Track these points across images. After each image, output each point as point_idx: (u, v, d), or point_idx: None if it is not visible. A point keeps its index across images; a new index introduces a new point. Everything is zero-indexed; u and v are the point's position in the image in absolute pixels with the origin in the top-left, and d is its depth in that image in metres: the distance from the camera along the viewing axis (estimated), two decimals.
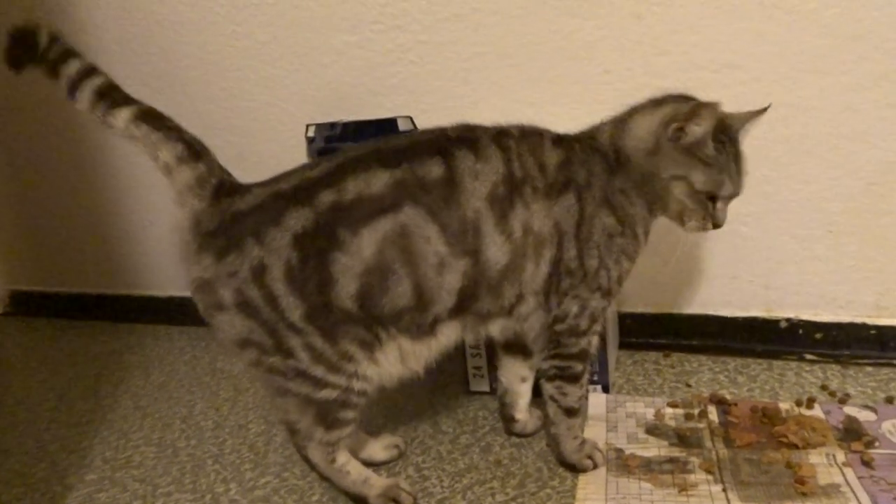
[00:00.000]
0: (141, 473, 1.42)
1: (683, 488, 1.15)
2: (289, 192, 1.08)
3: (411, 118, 1.52)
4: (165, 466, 1.43)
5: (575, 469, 1.24)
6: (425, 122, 1.57)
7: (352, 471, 1.22)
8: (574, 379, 1.22)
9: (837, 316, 1.52)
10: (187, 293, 2.22)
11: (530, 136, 1.16)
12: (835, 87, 1.38)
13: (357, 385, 1.12)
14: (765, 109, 1.16)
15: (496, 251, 1.09)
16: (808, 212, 1.48)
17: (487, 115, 1.60)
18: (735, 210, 1.49)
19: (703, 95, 1.38)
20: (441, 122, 1.67)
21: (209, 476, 1.38)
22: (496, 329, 1.20)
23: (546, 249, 1.13)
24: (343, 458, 1.21)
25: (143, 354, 2.03)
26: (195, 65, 1.89)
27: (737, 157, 1.12)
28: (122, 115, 1.08)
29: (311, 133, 1.64)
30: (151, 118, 1.10)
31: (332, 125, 1.59)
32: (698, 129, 1.07)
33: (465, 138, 1.12)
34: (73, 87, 1.08)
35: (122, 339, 2.16)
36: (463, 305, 1.12)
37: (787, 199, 1.48)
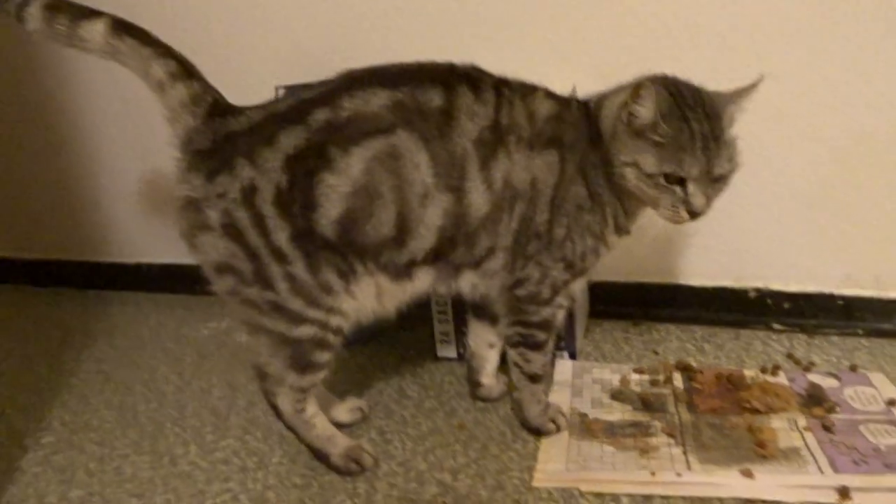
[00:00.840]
0: (99, 436, 1.39)
1: (645, 451, 1.15)
2: (283, 112, 1.06)
3: None
4: (124, 429, 1.40)
5: (538, 433, 1.23)
6: None
7: (318, 424, 1.20)
8: (537, 347, 1.21)
9: (806, 286, 1.52)
10: (154, 260, 2.20)
11: (525, 87, 1.14)
12: (809, 56, 1.37)
13: (334, 321, 1.11)
14: (755, 85, 1.10)
15: (478, 197, 1.08)
16: (780, 183, 1.47)
17: None
18: None
19: (676, 64, 1.38)
20: None
21: (168, 439, 1.36)
22: (466, 284, 1.18)
23: (518, 204, 1.11)
24: (312, 409, 1.20)
25: (109, 321, 1.99)
26: (161, 25, 1.84)
27: (706, 133, 1.03)
28: (97, 29, 1.04)
29: (280, 95, 1.60)
30: (133, 30, 1.06)
31: (303, 86, 1.56)
32: (643, 109, 1.03)
33: (470, 77, 1.10)
34: (20, 5, 1.04)
35: (88, 306, 2.12)
36: (440, 249, 1.11)
37: (758, 170, 1.47)
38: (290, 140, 1.03)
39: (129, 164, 2.06)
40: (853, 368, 1.35)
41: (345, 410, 1.33)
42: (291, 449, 1.26)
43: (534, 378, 1.23)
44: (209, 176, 1.04)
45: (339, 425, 1.29)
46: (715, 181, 1.05)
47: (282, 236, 1.04)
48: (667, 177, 1.03)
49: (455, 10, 1.56)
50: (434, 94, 1.06)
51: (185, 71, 1.07)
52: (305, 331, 1.10)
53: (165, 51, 1.07)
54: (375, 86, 1.05)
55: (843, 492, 1.01)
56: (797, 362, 1.39)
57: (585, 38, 1.49)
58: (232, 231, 1.05)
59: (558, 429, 1.23)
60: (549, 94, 1.15)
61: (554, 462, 1.16)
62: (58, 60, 2.00)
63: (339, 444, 1.20)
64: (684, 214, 1.05)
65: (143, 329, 1.91)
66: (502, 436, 1.25)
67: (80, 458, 1.32)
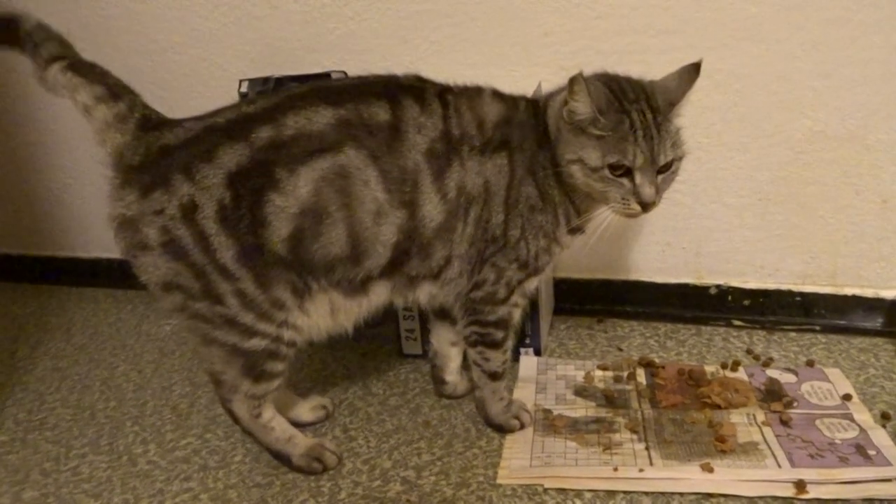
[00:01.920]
0: (55, 435, 1.36)
1: (608, 447, 1.16)
2: (223, 127, 1.04)
3: (345, 73, 1.48)
4: (82, 428, 1.37)
5: (502, 430, 1.24)
6: None
7: (276, 427, 1.19)
8: (495, 345, 1.21)
9: (765, 283, 1.55)
10: (113, 255, 2.15)
11: (471, 92, 1.13)
12: (769, 55, 1.39)
13: (287, 335, 1.10)
14: (697, 67, 1.09)
15: (432, 209, 1.08)
16: (740, 180, 1.49)
17: (425, 74, 1.58)
18: None
19: (640, 61, 1.39)
20: None
21: (127, 437, 1.33)
22: (423, 295, 1.18)
23: (473, 208, 1.11)
24: (268, 413, 1.18)
25: (66, 317, 1.94)
26: (122, 14, 1.80)
27: (648, 123, 1.02)
28: (54, 68, 1.07)
29: (244, 88, 1.58)
30: (78, 67, 1.07)
31: (266, 80, 1.54)
32: (579, 104, 1.02)
33: (414, 88, 1.09)
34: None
35: (44, 301, 2.07)
36: (395, 263, 1.10)
37: (719, 168, 1.49)
38: (232, 157, 1.01)
39: (85, 153, 2.00)
40: (810, 364, 1.38)
41: (307, 409, 1.32)
42: (254, 447, 1.25)
43: (494, 376, 1.23)
44: (144, 192, 1.02)
45: (302, 424, 1.28)
46: (661, 170, 1.05)
47: (227, 254, 1.02)
48: (612, 169, 1.03)
49: (424, 7, 1.55)
50: (379, 109, 1.05)
51: (111, 94, 1.05)
52: (257, 343, 1.09)
53: (98, 79, 1.06)
54: (318, 103, 1.03)
55: (800, 485, 1.03)
56: (756, 358, 1.42)
57: (553, 39, 1.49)
58: (173, 249, 1.02)
59: (522, 425, 1.23)
60: (496, 95, 1.14)
61: (518, 459, 1.16)
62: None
63: (299, 445, 1.19)
64: (635, 206, 1.04)
65: (102, 325, 1.86)
66: (467, 433, 1.25)
67: (34, 458, 1.29)
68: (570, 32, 1.48)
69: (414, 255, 1.10)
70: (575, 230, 1.17)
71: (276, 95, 1.09)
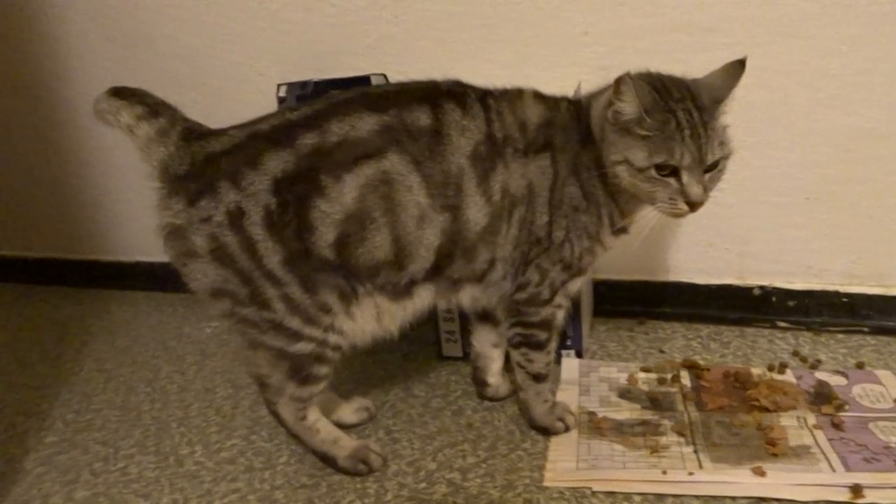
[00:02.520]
0: (103, 436, 1.38)
1: (655, 450, 1.15)
2: (267, 133, 1.04)
3: (385, 76, 1.49)
4: (128, 429, 1.39)
5: (546, 432, 1.23)
6: None
7: (322, 429, 1.19)
8: (539, 346, 1.20)
9: (810, 284, 1.52)
10: (154, 258, 2.18)
11: (511, 95, 1.13)
12: (813, 51, 1.37)
13: (332, 339, 1.10)
14: (742, 64, 1.08)
15: (476, 212, 1.08)
16: (785, 179, 1.47)
17: (463, 76, 1.58)
18: None
19: (679, 59, 1.37)
20: None
21: (173, 438, 1.35)
22: (467, 297, 1.18)
23: (517, 209, 1.11)
24: (314, 415, 1.19)
25: (108, 319, 1.97)
26: (163, 21, 1.83)
27: (694, 121, 1.01)
28: (99, 98, 1.10)
29: (282, 93, 1.59)
30: (119, 91, 1.09)
31: (304, 84, 1.55)
32: (626, 104, 1.01)
33: (455, 92, 1.09)
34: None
35: (87, 305, 2.10)
36: (439, 267, 1.10)
37: (763, 167, 1.47)
38: (278, 163, 1.02)
39: (128, 160, 2.03)
40: (860, 366, 1.35)
41: (350, 411, 1.33)
42: (299, 449, 1.25)
43: (538, 377, 1.22)
44: (191, 200, 1.03)
45: (345, 426, 1.28)
46: (709, 169, 1.04)
47: (273, 260, 1.03)
48: (659, 169, 1.01)
49: (461, 8, 1.55)
50: (421, 114, 1.05)
51: (151, 112, 1.07)
52: (303, 347, 1.10)
53: (137, 100, 1.08)
54: (362, 110, 1.04)
55: (856, 489, 1.01)
56: (803, 360, 1.39)
57: (591, 38, 1.48)
58: (221, 256, 1.03)
59: (567, 428, 1.22)
60: (538, 97, 1.14)
61: (564, 461, 1.15)
62: (57, 59, 1.98)
63: (345, 447, 1.19)
64: (683, 206, 1.03)
65: (144, 328, 1.89)
66: (511, 435, 1.24)
67: (84, 458, 1.31)
68: (609, 32, 1.47)
69: (457, 258, 1.11)
70: (619, 231, 1.16)
71: (319, 102, 1.09)
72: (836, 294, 1.51)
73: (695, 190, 1.02)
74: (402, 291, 1.12)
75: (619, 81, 1.01)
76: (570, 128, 1.12)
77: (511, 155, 1.09)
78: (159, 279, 2.11)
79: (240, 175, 1.02)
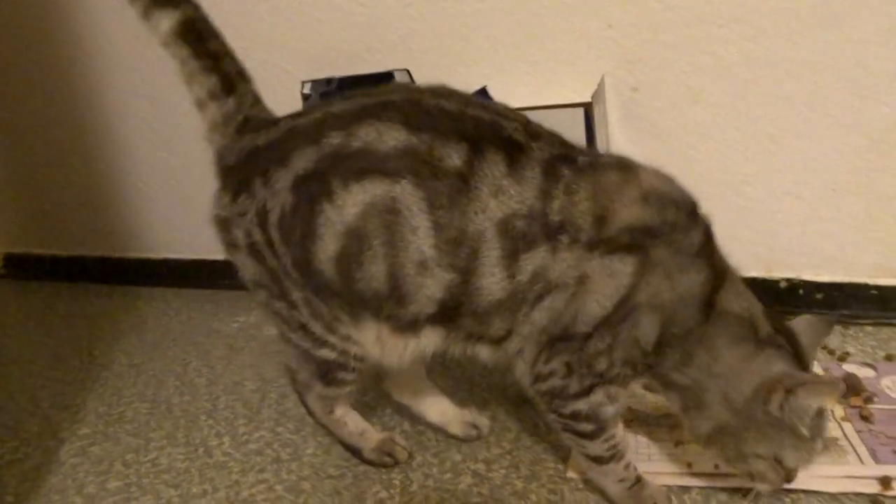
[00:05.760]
0: (134, 428, 1.40)
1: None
2: (304, 128, 0.99)
3: (408, 70, 1.50)
4: (159, 421, 1.42)
5: None
6: (422, 79, 1.55)
7: (349, 422, 1.20)
8: (585, 436, 1.01)
9: (838, 276, 1.51)
10: (181, 255, 2.21)
11: (606, 176, 0.93)
12: (843, 42, 1.35)
13: (353, 349, 1.06)
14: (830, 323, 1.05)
15: (492, 283, 0.92)
16: (813, 171, 1.45)
17: (487, 72, 1.59)
18: (738, 169, 1.49)
19: (708, 52, 1.36)
20: (440, 80, 1.65)
21: (202, 430, 1.37)
22: (484, 354, 1.03)
23: (550, 298, 0.92)
24: (341, 409, 1.20)
25: (138, 315, 2.01)
26: None
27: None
28: (164, 24, 1.03)
29: (306, 90, 1.61)
30: (193, 37, 1.03)
31: (328, 80, 1.57)
32: (812, 405, 0.88)
33: (513, 141, 0.92)
34: None
35: (117, 301, 2.14)
36: (446, 317, 0.97)
37: (791, 158, 1.46)
38: (301, 161, 0.96)
39: (154, 158, 2.08)
40: (889, 358, 1.33)
41: (458, 422, 1.24)
42: (325, 440, 1.27)
43: (599, 460, 1.02)
44: (234, 195, 1.03)
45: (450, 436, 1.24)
46: None
47: (287, 262, 1.00)
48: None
49: (485, 5, 1.55)
50: (453, 151, 0.90)
51: (225, 87, 1.04)
52: (328, 353, 1.08)
53: (213, 65, 1.04)
54: (396, 120, 0.92)
55: (885, 481, 1.00)
56: (831, 352, 1.38)
57: (617, 32, 1.48)
58: (254, 252, 1.03)
59: None
60: (648, 196, 0.91)
61: None
62: (82, 55, 2.02)
63: (371, 439, 1.20)
64: (781, 483, 0.95)
65: (173, 323, 1.92)
66: (535, 428, 1.25)
67: (116, 450, 1.33)
68: (634, 25, 1.46)
69: (467, 316, 0.96)
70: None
71: (367, 97, 0.99)
72: (865, 286, 1.49)
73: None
74: (406, 327, 1.00)
75: (824, 385, 0.91)
76: (688, 265, 0.92)
77: (566, 243, 0.90)
78: (187, 276, 2.15)
79: (270, 172, 0.98)
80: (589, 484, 1.08)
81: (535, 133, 0.94)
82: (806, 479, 1.02)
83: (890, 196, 1.42)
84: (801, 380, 0.88)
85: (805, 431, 0.89)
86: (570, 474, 1.12)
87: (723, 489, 1.04)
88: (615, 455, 1.01)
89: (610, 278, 0.90)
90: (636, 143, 1.53)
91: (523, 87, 1.55)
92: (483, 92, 1.43)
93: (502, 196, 0.89)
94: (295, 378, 1.18)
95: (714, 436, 0.94)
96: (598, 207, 0.90)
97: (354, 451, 1.20)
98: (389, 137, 0.91)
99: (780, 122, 1.43)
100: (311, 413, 1.21)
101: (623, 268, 0.90)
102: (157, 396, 1.52)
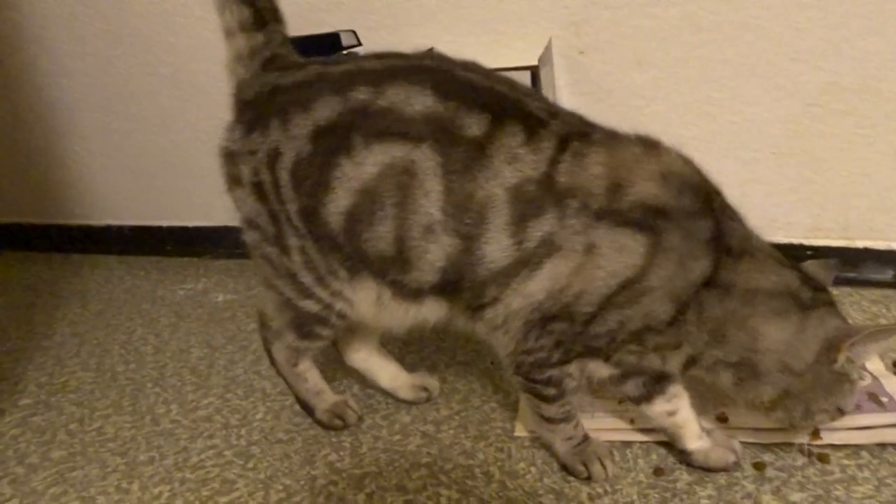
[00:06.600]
0: (78, 397, 1.38)
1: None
2: (335, 77, 0.98)
3: (354, 32, 1.47)
4: (104, 390, 1.40)
5: (567, 471, 1.06)
6: (368, 41, 1.53)
7: (310, 379, 1.20)
8: (545, 399, 1.02)
9: (775, 237, 1.54)
10: (125, 222, 2.16)
11: (625, 147, 0.93)
12: (781, 5, 1.37)
13: (339, 305, 1.06)
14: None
15: (496, 251, 0.92)
16: (751, 134, 1.49)
17: (433, 33, 1.57)
18: (680, 132, 1.51)
19: (650, 14, 1.37)
20: (387, 41, 1.62)
21: (149, 398, 1.35)
22: (482, 329, 1.02)
23: (552, 262, 0.91)
24: (305, 364, 1.19)
25: (80, 284, 1.96)
26: None
27: None
28: None
29: None
30: None
31: (304, 39, 1.53)
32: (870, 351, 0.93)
33: (532, 116, 0.93)
34: None
35: (57, 270, 2.08)
36: (448, 289, 0.97)
37: (731, 121, 1.49)
38: (324, 111, 0.95)
39: (96, 123, 2.01)
40: None
41: (408, 387, 1.25)
42: (275, 405, 1.27)
43: (550, 420, 1.05)
44: (247, 131, 1.01)
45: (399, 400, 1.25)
46: None
47: (292, 208, 0.99)
48: None
49: None
50: (476, 122, 0.91)
51: (257, 21, 1.03)
52: (311, 306, 1.07)
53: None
54: (426, 86, 0.92)
55: (815, 432, 1.05)
56: None
57: None
58: (258, 191, 1.02)
59: (590, 477, 1.04)
60: (666, 176, 0.90)
61: None
62: (16, 14, 1.93)
63: (326, 400, 1.21)
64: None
65: (117, 291, 1.88)
66: (483, 388, 1.27)
67: (59, 420, 1.31)
68: None
69: (467, 289, 0.96)
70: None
71: (400, 59, 0.98)
72: (801, 247, 1.54)
73: None
74: (409, 294, 1.00)
75: (884, 331, 0.91)
76: (698, 237, 0.90)
77: (575, 210, 0.89)
78: (131, 243, 2.10)
79: (290, 115, 0.97)
80: (536, 442, 1.11)
81: (557, 113, 0.96)
82: (739, 431, 1.07)
83: (825, 158, 1.46)
84: (861, 331, 0.90)
85: (856, 375, 0.93)
86: (518, 433, 1.14)
87: (661, 443, 1.08)
88: (567, 417, 1.04)
89: (618, 253, 0.89)
90: (583, 105, 1.52)
91: (470, 49, 1.52)
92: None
93: (517, 163, 0.90)
94: (267, 324, 1.17)
95: (778, 401, 0.94)
96: (614, 176, 0.90)
97: (307, 409, 1.21)
98: (417, 101, 0.92)
99: (721, 85, 1.46)
100: (273, 363, 1.20)
101: (633, 245, 0.89)
102: (101, 365, 1.50)
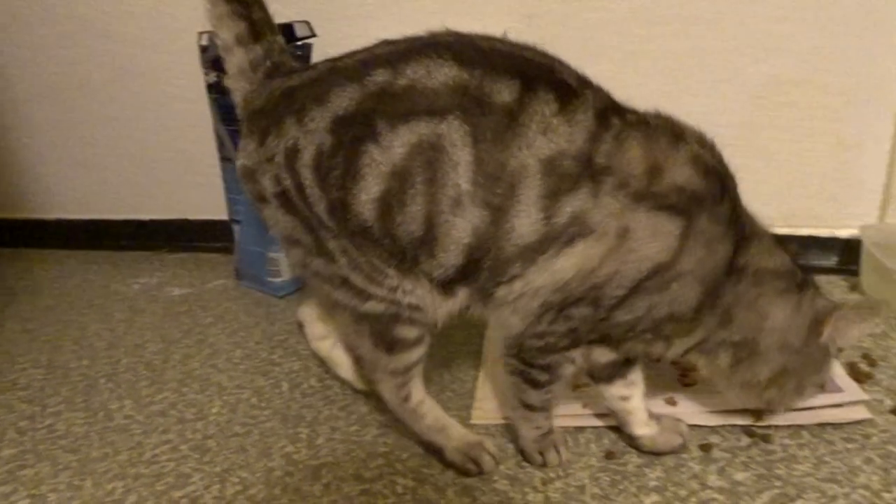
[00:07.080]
0: (28, 394, 1.36)
1: (577, 386, 1.20)
2: (348, 68, 0.93)
3: (308, 23, 1.47)
4: (55, 387, 1.37)
5: (524, 457, 1.07)
6: (324, 31, 1.52)
7: (428, 415, 1.08)
8: (535, 385, 1.02)
9: None
10: (75, 216, 2.12)
11: (660, 133, 0.92)
12: (727, 0, 1.41)
13: (406, 299, 0.97)
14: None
15: (525, 225, 0.89)
16: (701, 126, 1.51)
17: (387, 25, 1.57)
18: None
19: (602, 7, 1.39)
20: (343, 33, 1.61)
21: (102, 394, 1.34)
22: (488, 309, 0.99)
23: (582, 243, 0.89)
24: (418, 395, 1.08)
25: (30, 279, 1.92)
26: None
27: None
28: None
29: (204, 41, 1.55)
30: None
31: None
32: (853, 336, 0.99)
33: (568, 87, 0.90)
34: None
35: (5, 265, 2.03)
36: (470, 273, 0.94)
37: (678, 113, 1.50)
38: (342, 100, 0.90)
39: (46, 115, 1.96)
40: None
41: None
42: (231, 399, 1.27)
43: (530, 407, 1.04)
44: (261, 139, 0.96)
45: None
46: None
47: (321, 208, 0.93)
48: None
49: None
50: (505, 88, 0.87)
51: (252, 34, 1.01)
52: (374, 306, 0.99)
53: (243, 10, 1.01)
54: (447, 56, 0.88)
55: (757, 413, 1.09)
56: None
57: None
58: (284, 202, 0.96)
59: (545, 463, 1.05)
60: (696, 159, 0.91)
61: (490, 399, 1.20)
62: None
63: (453, 437, 1.07)
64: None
65: (69, 286, 1.85)
66: (440, 377, 1.28)
67: (9, 417, 1.29)
68: None
69: (485, 268, 0.93)
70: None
71: (415, 40, 0.94)
72: None
73: None
74: (442, 285, 0.96)
75: (868, 309, 0.99)
76: (723, 234, 0.92)
77: (610, 188, 0.88)
78: (83, 237, 2.06)
79: (305, 110, 0.92)
80: (491, 429, 1.13)
81: (588, 82, 0.94)
82: (687, 414, 1.11)
83: (770, 149, 1.51)
84: (846, 308, 0.96)
85: (835, 350, 0.99)
86: (475, 421, 1.16)
87: (611, 428, 1.11)
88: (546, 406, 1.04)
89: (653, 237, 0.88)
90: None
91: None
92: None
93: (551, 134, 0.87)
94: (360, 357, 1.08)
95: (774, 378, 0.99)
96: (651, 159, 0.89)
97: (435, 452, 1.08)
98: (439, 73, 0.88)
99: (666, 77, 1.49)
100: (386, 404, 1.09)
101: (670, 229, 0.88)
102: (53, 361, 1.47)
